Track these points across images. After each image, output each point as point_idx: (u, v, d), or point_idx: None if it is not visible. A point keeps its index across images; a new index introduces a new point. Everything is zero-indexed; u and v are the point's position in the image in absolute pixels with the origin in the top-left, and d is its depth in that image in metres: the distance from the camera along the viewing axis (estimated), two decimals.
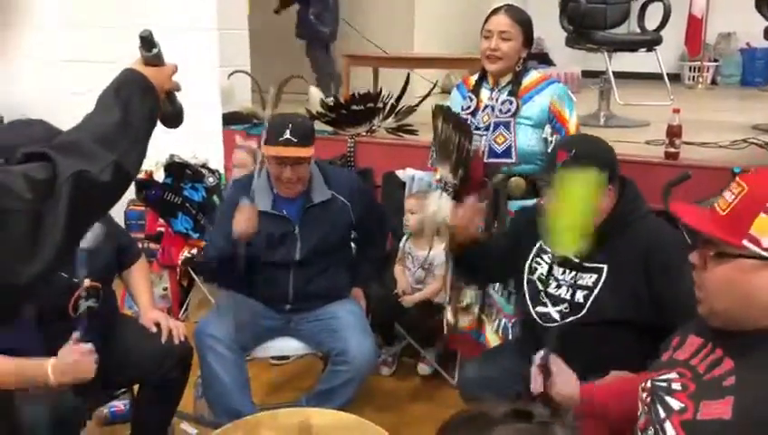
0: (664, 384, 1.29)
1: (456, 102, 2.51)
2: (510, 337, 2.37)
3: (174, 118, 1.33)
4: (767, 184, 1.16)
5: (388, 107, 3.72)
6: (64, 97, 4.31)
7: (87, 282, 2.01)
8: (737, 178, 1.19)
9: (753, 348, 1.16)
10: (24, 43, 4.67)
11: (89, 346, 1.90)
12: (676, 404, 1.23)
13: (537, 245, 2.03)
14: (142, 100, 1.16)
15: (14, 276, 0.93)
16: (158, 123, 1.23)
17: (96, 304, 2.04)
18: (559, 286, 1.93)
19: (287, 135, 2.31)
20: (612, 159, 1.91)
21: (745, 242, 1.14)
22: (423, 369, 3.13)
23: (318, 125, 3.51)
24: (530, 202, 2.36)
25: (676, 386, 1.26)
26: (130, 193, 2.60)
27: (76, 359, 1.87)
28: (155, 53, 1.24)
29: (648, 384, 1.34)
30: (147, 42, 1.24)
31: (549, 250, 1.99)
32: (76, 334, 1.91)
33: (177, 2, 3.97)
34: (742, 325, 1.18)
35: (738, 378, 1.15)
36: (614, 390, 1.57)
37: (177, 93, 1.32)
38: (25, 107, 4.08)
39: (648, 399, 1.32)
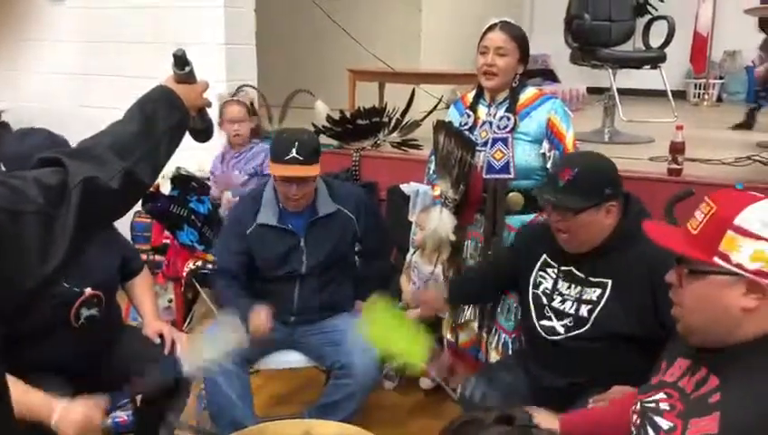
0: (652, 405, 1.32)
1: (453, 119, 2.52)
2: (510, 352, 2.37)
3: (203, 133, 1.36)
4: (733, 203, 1.21)
5: (393, 122, 3.74)
6: (73, 110, 4.35)
7: (88, 291, 2.02)
8: (706, 199, 1.25)
9: (736, 362, 1.19)
10: (37, 57, 4.71)
11: (101, 406, 1.78)
12: (665, 424, 1.26)
13: (542, 259, 2.04)
14: (167, 114, 1.18)
15: (24, 277, 0.94)
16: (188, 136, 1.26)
17: (98, 313, 2.05)
18: (563, 301, 1.94)
19: (293, 153, 2.31)
20: (615, 175, 1.92)
21: (716, 259, 1.19)
22: (425, 383, 3.13)
23: (323, 139, 3.53)
24: (528, 217, 2.37)
25: (665, 406, 1.28)
26: (137, 204, 2.62)
27: (84, 418, 1.73)
28: (187, 71, 1.27)
29: (638, 406, 1.36)
30: (180, 60, 1.26)
31: (554, 264, 1.99)
32: (104, 401, 1.80)
33: (186, 17, 4.01)
34: (719, 340, 1.23)
35: (723, 393, 1.18)
36: (593, 420, 1.59)
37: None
38: (35, 120, 4.12)
39: (638, 420, 1.34)
